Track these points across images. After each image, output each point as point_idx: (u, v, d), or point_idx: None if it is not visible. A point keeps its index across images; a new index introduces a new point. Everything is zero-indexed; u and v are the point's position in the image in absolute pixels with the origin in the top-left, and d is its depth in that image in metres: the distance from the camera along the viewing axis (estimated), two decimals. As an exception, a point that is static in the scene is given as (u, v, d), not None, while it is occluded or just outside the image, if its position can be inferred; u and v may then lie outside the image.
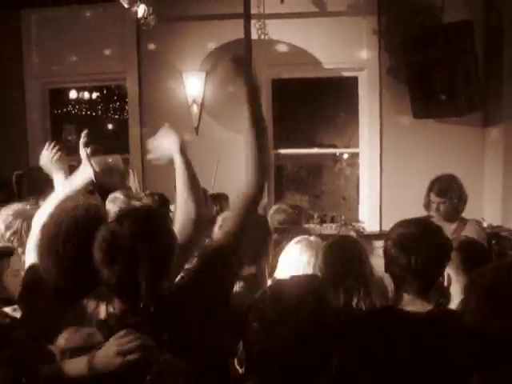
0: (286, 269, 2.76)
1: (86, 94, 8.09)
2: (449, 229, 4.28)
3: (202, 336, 1.90)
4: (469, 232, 4.22)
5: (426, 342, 1.97)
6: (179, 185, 2.31)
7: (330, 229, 6.68)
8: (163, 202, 4.85)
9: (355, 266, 2.58)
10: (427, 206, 4.50)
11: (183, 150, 2.37)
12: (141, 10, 5.58)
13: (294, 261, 2.83)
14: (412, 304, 2.25)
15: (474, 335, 1.61)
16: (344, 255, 2.67)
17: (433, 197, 4.41)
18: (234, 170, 6.41)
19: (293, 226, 4.27)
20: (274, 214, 4.37)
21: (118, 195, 4.43)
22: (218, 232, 3.23)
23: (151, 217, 1.95)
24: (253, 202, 2.24)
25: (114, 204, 4.38)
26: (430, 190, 4.46)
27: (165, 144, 2.41)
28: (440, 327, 1.83)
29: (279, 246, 3.40)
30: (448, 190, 4.35)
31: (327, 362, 1.62)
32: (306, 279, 1.90)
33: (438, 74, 5.93)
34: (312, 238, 3.03)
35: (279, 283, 1.90)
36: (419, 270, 2.21)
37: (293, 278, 1.86)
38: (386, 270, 2.37)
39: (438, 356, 1.76)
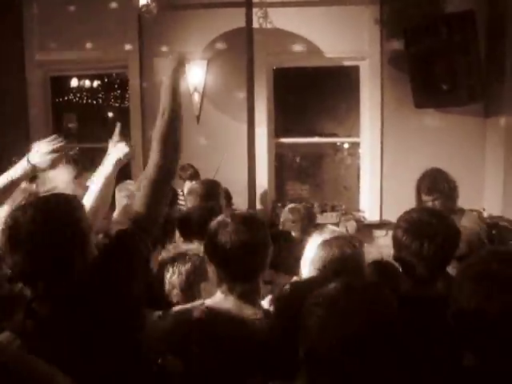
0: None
1: (87, 82, 8.07)
2: None
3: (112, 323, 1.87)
4: (466, 221, 4.23)
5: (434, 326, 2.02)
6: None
7: (330, 218, 6.69)
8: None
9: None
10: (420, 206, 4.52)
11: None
12: (143, -3, 5.57)
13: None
14: (416, 290, 2.30)
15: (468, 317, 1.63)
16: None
17: (425, 197, 4.43)
18: (235, 159, 6.43)
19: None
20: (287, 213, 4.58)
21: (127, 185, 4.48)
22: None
23: (57, 204, 1.90)
24: (159, 186, 2.15)
25: (120, 192, 4.43)
26: (418, 191, 4.49)
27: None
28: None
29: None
30: (436, 186, 4.37)
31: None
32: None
33: (439, 63, 5.91)
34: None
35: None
36: (431, 256, 2.23)
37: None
38: (396, 258, 2.39)
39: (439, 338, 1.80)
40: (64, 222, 1.84)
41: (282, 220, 4.62)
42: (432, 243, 2.23)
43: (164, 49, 6.95)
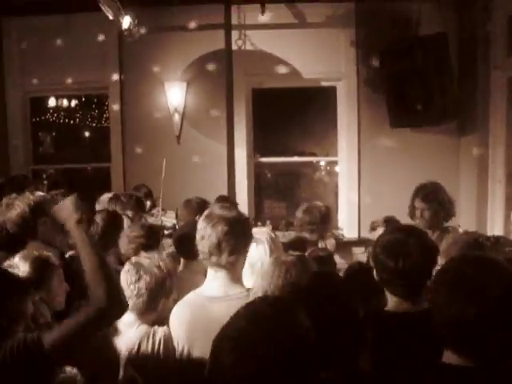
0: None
1: (68, 103, 8.09)
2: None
3: None
4: (452, 239, 4.23)
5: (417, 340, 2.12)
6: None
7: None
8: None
9: None
10: (412, 213, 4.50)
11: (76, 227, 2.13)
12: (126, 21, 5.59)
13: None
14: (400, 306, 2.38)
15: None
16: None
17: (418, 203, 4.41)
18: (214, 180, 6.50)
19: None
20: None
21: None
22: None
23: None
24: (95, 319, 1.92)
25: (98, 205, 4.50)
26: (415, 196, 4.43)
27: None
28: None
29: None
30: (433, 197, 4.36)
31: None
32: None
33: (413, 84, 6.04)
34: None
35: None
36: (406, 272, 2.31)
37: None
38: (377, 278, 2.46)
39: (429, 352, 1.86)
40: None
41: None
42: (406, 260, 2.31)
43: (144, 70, 7.02)
